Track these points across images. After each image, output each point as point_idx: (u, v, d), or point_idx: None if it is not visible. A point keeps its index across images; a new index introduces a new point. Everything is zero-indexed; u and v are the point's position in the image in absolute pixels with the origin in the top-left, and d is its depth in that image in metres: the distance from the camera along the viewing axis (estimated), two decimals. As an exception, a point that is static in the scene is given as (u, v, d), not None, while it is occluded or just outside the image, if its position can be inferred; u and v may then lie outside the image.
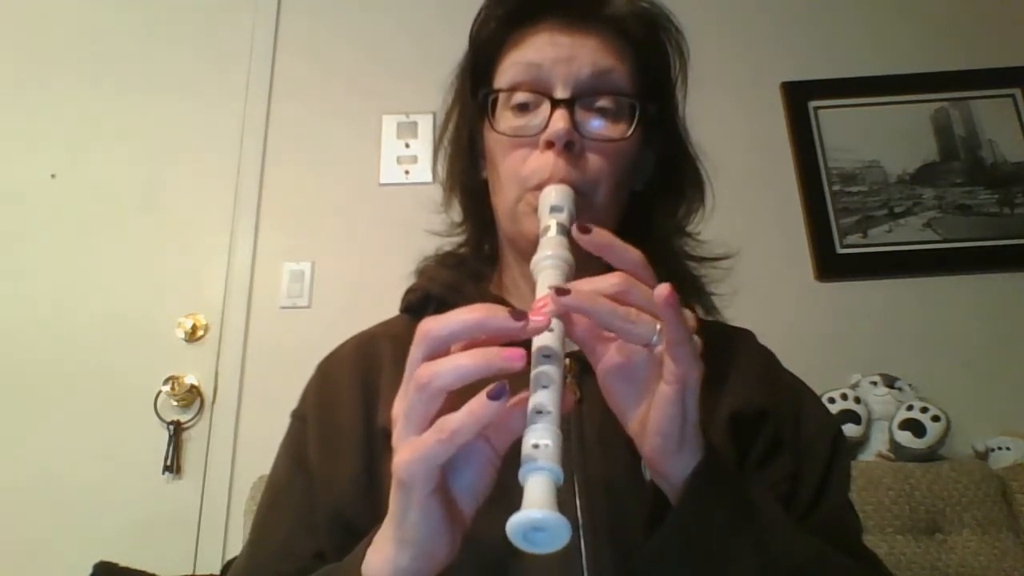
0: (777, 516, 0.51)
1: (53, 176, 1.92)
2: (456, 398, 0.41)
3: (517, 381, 0.44)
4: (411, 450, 0.41)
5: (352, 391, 0.65)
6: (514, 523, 0.38)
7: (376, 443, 0.61)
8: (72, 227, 1.88)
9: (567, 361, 0.61)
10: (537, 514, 0.37)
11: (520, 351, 0.41)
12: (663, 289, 0.43)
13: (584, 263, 0.51)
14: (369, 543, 0.47)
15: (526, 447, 0.40)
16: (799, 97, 1.95)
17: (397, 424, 0.43)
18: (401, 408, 0.43)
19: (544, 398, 0.42)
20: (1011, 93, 1.92)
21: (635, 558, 0.49)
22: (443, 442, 0.40)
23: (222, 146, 1.94)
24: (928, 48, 1.97)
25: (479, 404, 0.40)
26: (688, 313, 0.47)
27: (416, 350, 0.43)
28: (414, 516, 0.42)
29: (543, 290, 0.47)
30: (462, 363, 0.41)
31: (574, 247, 0.53)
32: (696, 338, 0.46)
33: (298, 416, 0.69)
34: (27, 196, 1.91)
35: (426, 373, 0.41)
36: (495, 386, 0.40)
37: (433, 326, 0.43)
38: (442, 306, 0.68)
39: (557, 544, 0.38)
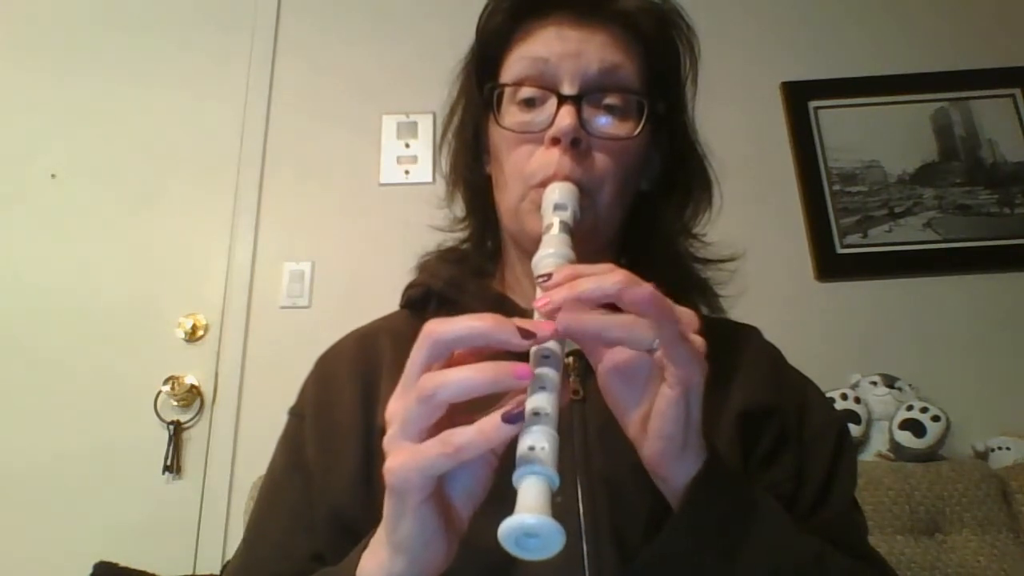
0: (779, 520, 0.51)
1: (53, 176, 1.92)
2: (455, 407, 0.40)
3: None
4: (407, 457, 0.40)
5: (351, 389, 0.64)
6: (506, 528, 0.36)
7: (375, 443, 0.58)
8: (72, 227, 1.88)
9: (570, 359, 0.61)
10: (530, 519, 0.36)
11: (529, 368, 0.40)
12: (643, 292, 0.42)
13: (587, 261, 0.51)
14: (364, 547, 0.46)
15: (522, 449, 0.39)
16: (799, 97, 1.94)
17: (392, 426, 0.42)
18: (397, 410, 0.42)
19: (542, 400, 0.40)
20: (1011, 93, 1.92)
21: (635, 562, 0.48)
22: (447, 456, 0.38)
23: (222, 146, 1.94)
24: (928, 48, 1.97)
25: (492, 426, 0.38)
26: (691, 312, 0.46)
27: (418, 352, 0.42)
28: (408, 523, 0.41)
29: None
30: (469, 376, 0.39)
31: (576, 245, 0.53)
32: (699, 338, 0.45)
33: (296, 414, 0.67)
34: (27, 196, 1.91)
35: (430, 384, 0.39)
36: (512, 409, 0.39)
37: (438, 329, 0.41)
38: (443, 302, 0.67)
39: (550, 551, 0.37)
